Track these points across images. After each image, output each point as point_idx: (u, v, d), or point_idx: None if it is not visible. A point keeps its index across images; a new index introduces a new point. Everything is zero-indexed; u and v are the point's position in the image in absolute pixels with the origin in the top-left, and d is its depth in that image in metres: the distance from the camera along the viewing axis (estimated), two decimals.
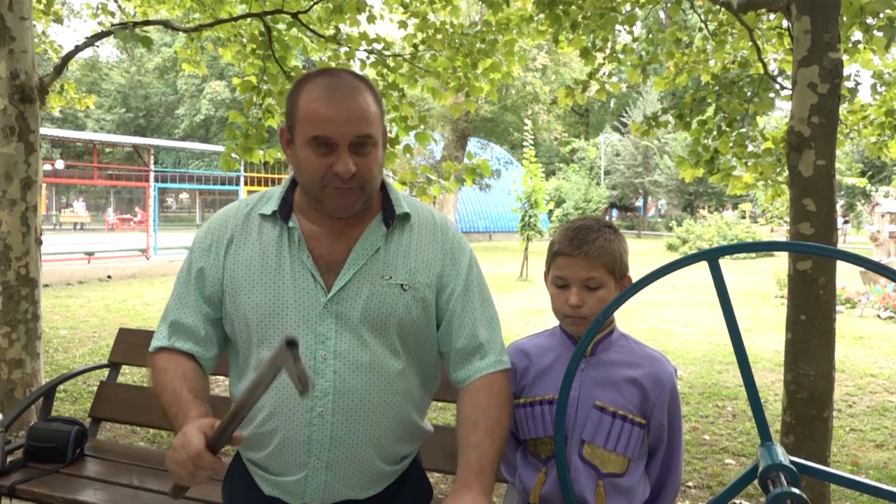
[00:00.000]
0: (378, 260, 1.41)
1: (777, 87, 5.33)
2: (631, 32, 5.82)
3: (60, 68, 4.82)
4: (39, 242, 4.52)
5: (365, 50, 5.47)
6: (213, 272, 1.45)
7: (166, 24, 5.17)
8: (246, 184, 17.63)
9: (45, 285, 10.50)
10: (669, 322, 9.63)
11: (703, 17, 5.82)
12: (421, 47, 5.55)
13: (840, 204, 30.15)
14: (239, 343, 1.45)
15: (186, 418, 1.31)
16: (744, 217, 30.00)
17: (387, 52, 5.49)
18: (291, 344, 1.12)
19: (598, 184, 38.24)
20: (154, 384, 1.46)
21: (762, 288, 13.49)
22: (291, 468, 1.40)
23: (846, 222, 31.62)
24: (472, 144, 28.71)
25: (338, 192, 1.35)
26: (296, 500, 1.42)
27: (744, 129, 5.64)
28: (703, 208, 37.33)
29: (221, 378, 5.15)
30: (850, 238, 29.95)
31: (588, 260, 1.55)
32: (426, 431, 1.56)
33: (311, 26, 5.32)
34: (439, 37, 5.51)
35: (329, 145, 1.32)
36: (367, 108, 1.35)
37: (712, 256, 1.33)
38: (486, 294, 1.53)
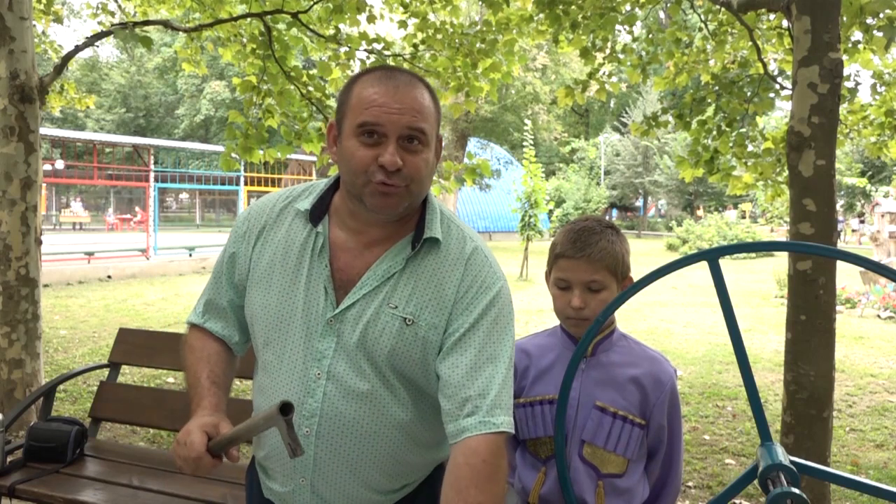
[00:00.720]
0: (391, 285, 1.31)
1: (777, 87, 5.33)
2: (631, 32, 5.82)
3: (60, 68, 4.82)
4: (39, 242, 4.52)
5: (365, 50, 5.47)
6: (242, 260, 1.42)
7: (166, 24, 5.17)
8: (246, 184, 17.64)
9: (45, 285, 10.50)
10: (669, 322, 9.63)
11: (702, 17, 5.82)
12: (421, 47, 5.55)
13: (840, 204, 30.07)
14: (252, 336, 1.46)
15: (198, 407, 1.34)
16: (744, 217, 30.00)
17: (387, 52, 5.49)
18: (285, 410, 1.13)
19: (598, 184, 38.24)
20: (183, 358, 1.49)
21: (762, 288, 13.49)
22: (281, 479, 1.39)
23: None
24: (472, 144, 28.72)
25: (380, 191, 1.24)
26: None
27: (744, 129, 5.64)
28: (699, 208, 37.32)
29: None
30: (850, 238, 29.94)
31: (590, 262, 1.55)
32: (434, 461, 1.44)
33: (311, 26, 5.32)
34: (439, 37, 5.51)
35: (377, 135, 1.23)
36: (423, 102, 1.27)
37: (712, 256, 1.33)
38: (497, 338, 1.32)
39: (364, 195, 1.26)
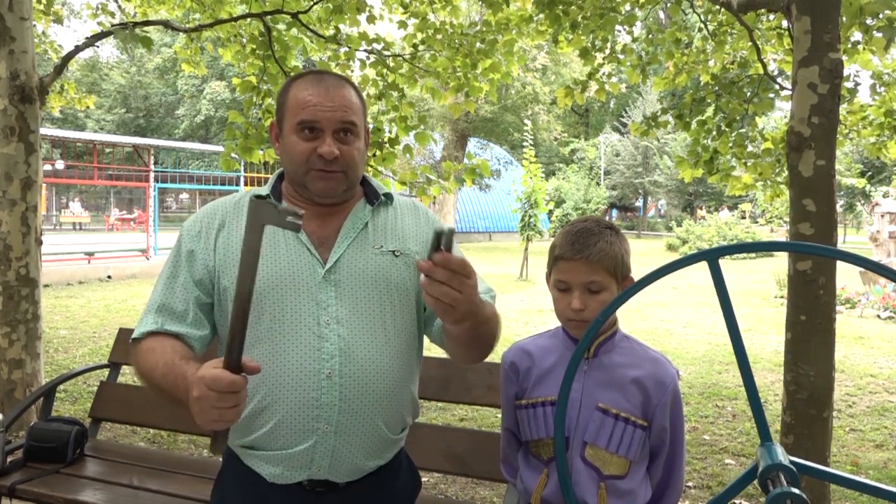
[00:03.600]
0: (367, 233, 1.50)
1: (777, 87, 5.33)
2: (630, 33, 5.82)
3: (60, 68, 4.82)
4: (39, 242, 4.52)
5: (365, 50, 5.47)
6: (203, 255, 1.47)
7: (166, 25, 5.17)
8: (246, 184, 17.63)
9: (46, 285, 10.49)
10: (669, 322, 9.63)
11: (702, 17, 5.82)
12: (421, 47, 5.55)
13: (840, 204, 30.02)
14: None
15: (184, 380, 1.25)
16: (743, 217, 29.98)
17: (387, 53, 5.49)
18: (260, 197, 1.13)
19: (597, 184, 38.23)
20: (141, 367, 1.41)
21: (762, 288, 13.50)
22: (299, 437, 1.39)
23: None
24: (472, 144, 28.71)
25: (322, 176, 1.43)
26: (301, 472, 1.42)
27: (743, 130, 5.64)
28: (700, 208, 37.32)
29: None
30: (850, 238, 29.94)
31: (589, 263, 1.54)
32: (418, 406, 1.61)
33: (311, 26, 5.32)
34: (439, 37, 5.51)
35: (314, 130, 1.42)
36: (351, 99, 1.46)
37: (712, 256, 1.33)
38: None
39: (306, 182, 1.45)
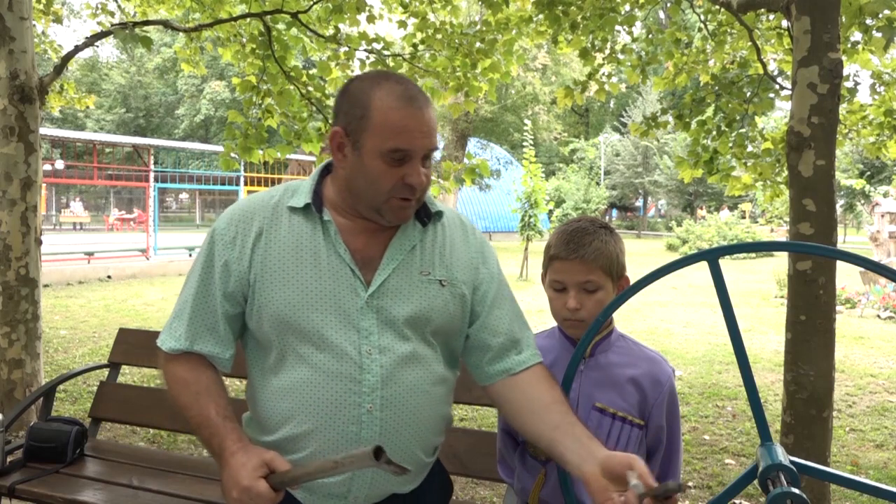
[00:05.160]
0: (415, 256, 1.41)
1: (776, 87, 5.33)
2: (630, 33, 5.82)
3: (60, 68, 4.82)
4: (39, 242, 4.52)
5: (364, 50, 5.47)
6: (238, 266, 1.38)
7: (166, 24, 5.17)
8: (246, 184, 17.63)
9: (45, 285, 10.49)
10: (669, 322, 9.63)
11: (702, 17, 5.82)
12: (420, 47, 5.55)
13: (840, 204, 30.01)
14: (268, 340, 1.39)
15: (223, 450, 1.30)
16: (743, 217, 29.98)
17: (386, 52, 5.49)
18: (378, 453, 1.10)
19: (597, 184, 38.23)
20: (173, 394, 1.41)
21: (762, 288, 13.50)
22: None
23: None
24: (472, 144, 28.72)
25: (403, 206, 1.34)
26: (336, 501, 1.39)
27: (743, 130, 5.64)
28: (701, 208, 37.33)
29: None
30: (850, 238, 29.94)
31: (584, 263, 1.54)
32: (451, 422, 1.57)
33: (311, 26, 5.32)
34: (439, 37, 5.51)
35: (403, 158, 1.31)
36: (435, 119, 1.37)
37: (712, 257, 1.33)
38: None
39: (384, 209, 1.35)
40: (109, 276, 13.52)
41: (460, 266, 1.45)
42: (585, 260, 1.54)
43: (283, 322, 1.35)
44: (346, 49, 5.48)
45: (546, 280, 1.63)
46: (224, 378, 1.48)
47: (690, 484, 3.93)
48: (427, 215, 1.44)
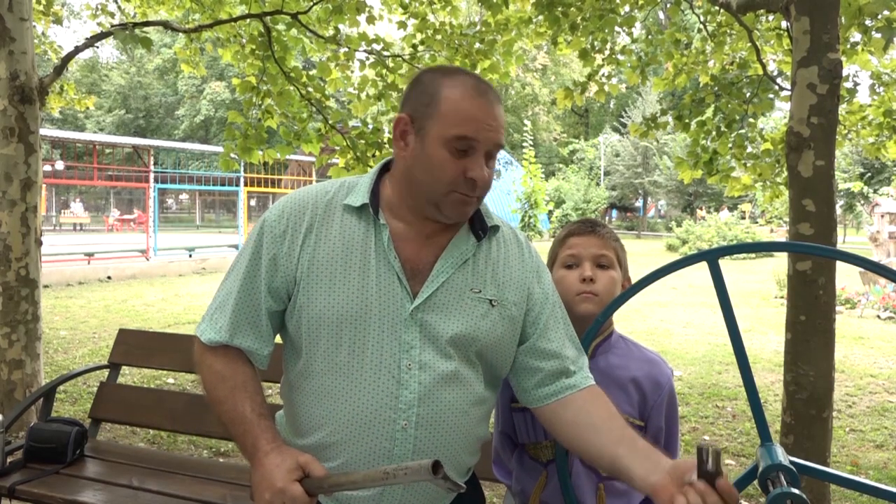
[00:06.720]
0: (467, 271, 1.34)
1: (776, 87, 5.34)
2: (630, 34, 5.83)
3: (60, 69, 4.82)
4: (39, 243, 4.52)
5: (364, 50, 5.48)
6: (285, 262, 1.33)
7: (166, 25, 5.17)
8: (246, 185, 17.64)
9: (45, 286, 10.50)
10: (669, 322, 9.63)
11: (701, 18, 5.82)
12: (420, 48, 5.55)
13: (839, 205, 30.02)
14: (303, 342, 1.33)
15: (256, 449, 1.26)
16: (743, 217, 29.99)
17: (386, 53, 5.50)
18: (437, 468, 1.07)
19: (597, 184, 38.24)
20: (208, 387, 1.36)
21: (762, 288, 13.50)
22: None
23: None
24: None
25: (463, 201, 1.29)
26: None
27: (743, 130, 5.64)
28: (701, 209, 37.34)
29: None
30: (849, 238, 29.95)
31: (601, 238, 1.61)
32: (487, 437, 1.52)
33: (311, 27, 5.33)
34: (438, 37, 5.52)
35: (469, 148, 1.26)
36: (505, 120, 1.34)
37: (712, 257, 1.33)
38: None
39: (443, 203, 1.29)
40: (109, 277, 13.52)
41: (513, 286, 1.38)
42: (601, 236, 1.61)
43: (322, 327, 1.31)
44: (346, 50, 5.48)
45: (557, 261, 1.65)
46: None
47: None
48: (483, 229, 1.38)
